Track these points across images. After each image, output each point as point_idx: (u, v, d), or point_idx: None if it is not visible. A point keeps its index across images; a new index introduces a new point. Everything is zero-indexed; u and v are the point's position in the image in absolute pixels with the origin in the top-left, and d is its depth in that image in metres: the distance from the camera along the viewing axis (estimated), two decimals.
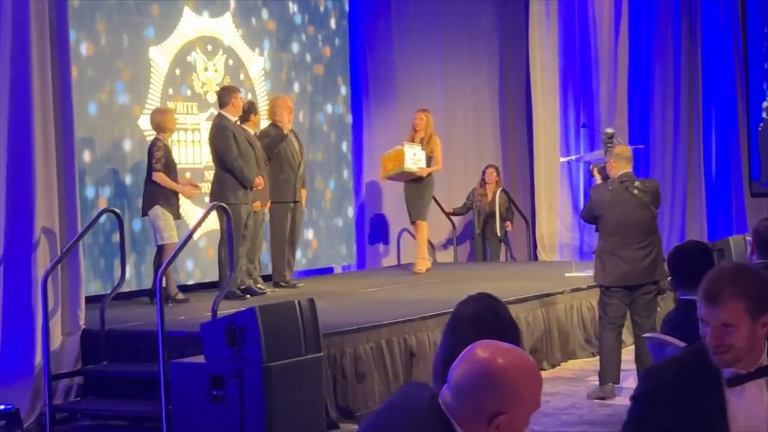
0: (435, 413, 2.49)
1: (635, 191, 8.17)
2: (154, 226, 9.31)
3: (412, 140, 11.73)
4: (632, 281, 8.17)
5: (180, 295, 9.37)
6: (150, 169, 9.33)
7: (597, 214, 8.30)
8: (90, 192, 9.81)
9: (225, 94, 9.70)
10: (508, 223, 13.79)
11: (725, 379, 3.06)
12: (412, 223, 11.95)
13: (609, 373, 8.20)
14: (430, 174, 11.73)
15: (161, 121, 9.49)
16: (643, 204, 8.19)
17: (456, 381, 2.48)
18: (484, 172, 13.95)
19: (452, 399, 2.48)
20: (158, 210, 9.23)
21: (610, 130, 9.92)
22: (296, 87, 12.37)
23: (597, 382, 8.29)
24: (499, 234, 13.61)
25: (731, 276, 3.04)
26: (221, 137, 9.50)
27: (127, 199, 10.15)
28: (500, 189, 13.70)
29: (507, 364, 2.44)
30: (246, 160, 9.52)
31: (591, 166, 9.44)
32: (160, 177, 9.27)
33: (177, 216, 9.45)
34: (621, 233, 8.17)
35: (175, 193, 9.39)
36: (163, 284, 9.11)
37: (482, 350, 2.48)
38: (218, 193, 9.41)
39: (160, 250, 9.28)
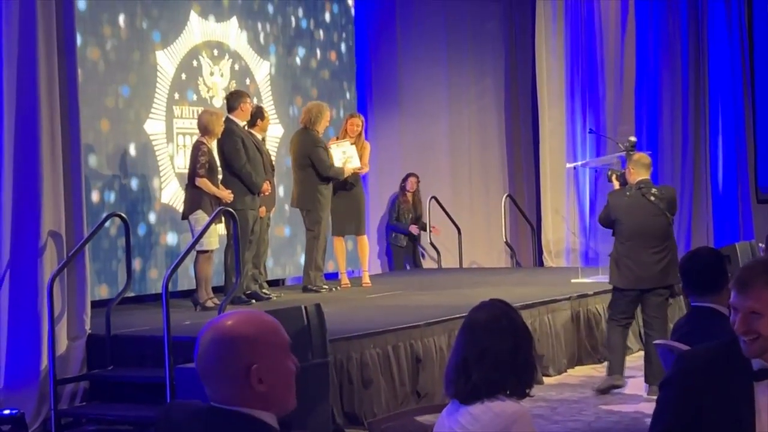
0: (215, 415, 2.47)
1: (652, 198, 8.37)
2: (193, 231, 9.14)
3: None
4: (645, 285, 8.36)
5: (210, 302, 9.15)
6: (193, 174, 9.15)
7: (614, 218, 8.52)
8: (95, 196, 9.79)
9: (234, 99, 9.67)
10: (413, 227, 13.68)
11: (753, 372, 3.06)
12: (337, 235, 11.07)
13: (615, 367, 8.42)
14: (360, 184, 10.89)
15: (209, 123, 9.20)
16: (659, 210, 8.38)
17: (204, 372, 2.47)
18: (405, 180, 13.81)
19: (215, 391, 2.48)
20: (199, 215, 9.03)
21: (633, 138, 10.37)
22: (302, 92, 12.36)
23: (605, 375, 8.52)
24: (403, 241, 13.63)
25: (764, 265, 3.08)
26: (229, 142, 9.45)
27: (133, 204, 10.14)
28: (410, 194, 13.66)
29: (230, 323, 2.47)
30: (254, 165, 9.49)
31: (609, 172, 9.60)
32: (204, 183, 9.07)
33: (218, 221, 9.32)
34: (636, 238, 8.37)
35: (218, 198, 9.16)
36: (203, 291, 9.15)
37: (206, 334, 2.49)
38: None
39: (199, 255, 9.18)
